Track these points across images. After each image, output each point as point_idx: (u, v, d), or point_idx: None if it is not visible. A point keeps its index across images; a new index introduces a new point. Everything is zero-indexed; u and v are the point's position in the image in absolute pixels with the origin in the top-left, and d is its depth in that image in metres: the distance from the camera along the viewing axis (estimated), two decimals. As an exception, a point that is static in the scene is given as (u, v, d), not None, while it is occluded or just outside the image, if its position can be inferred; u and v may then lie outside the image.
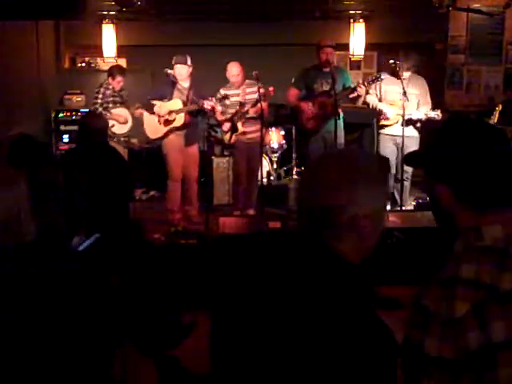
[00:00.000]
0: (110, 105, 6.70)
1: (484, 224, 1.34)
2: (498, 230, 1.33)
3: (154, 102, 6.12)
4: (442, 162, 1.37)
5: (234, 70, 6.22)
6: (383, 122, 6.31)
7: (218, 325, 1.44)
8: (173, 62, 6.09)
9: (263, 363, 1.32)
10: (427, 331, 1.26)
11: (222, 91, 6.27)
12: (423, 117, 6.10)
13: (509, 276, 1.25)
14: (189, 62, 6.10)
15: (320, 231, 1.37)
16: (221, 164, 7.12)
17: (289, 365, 1.28)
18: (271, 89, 6.10)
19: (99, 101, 6.71)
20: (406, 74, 6.15)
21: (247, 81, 6.24)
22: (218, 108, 6.17)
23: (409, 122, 6.14)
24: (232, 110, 6.27)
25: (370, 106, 6.36)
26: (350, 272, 1.35)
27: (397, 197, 6.32)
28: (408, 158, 1.55)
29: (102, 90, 6.72)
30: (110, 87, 6.75)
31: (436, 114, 6.08)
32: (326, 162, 1.43)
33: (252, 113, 6.14)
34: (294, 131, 7.36)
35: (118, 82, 6.76)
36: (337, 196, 1.35)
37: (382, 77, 6.07)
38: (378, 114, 6.34)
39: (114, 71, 6.85)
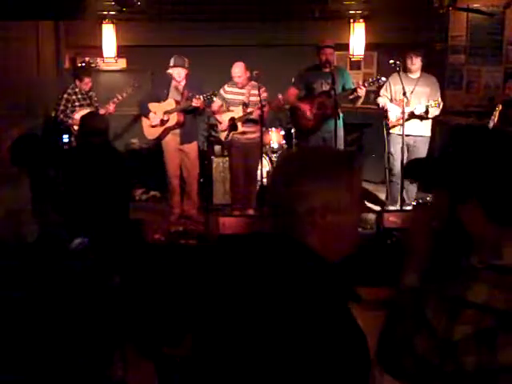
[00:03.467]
0: (77, 108, 6.68)
1: (505, 241, 1.28)
2: None
3: (151, 104, 6.21)
4: (472, 177, 1.30)
5: (236, 70, 6.23)
6: (391, 122, 6.34)
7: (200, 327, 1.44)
8: (171, 63, 6.13)
9: (231, 361, 1.32)
10: (420, 332, 1.25)
11: (227, 87, 6.29)
12: (424, 109, 6.13)
13: None
14: (186, 65, 6.14)
15: (282, 221, 1.37)
16: (220, 164, 7.12)
17: (256, 363, 1.28)
18: (280, 96, 6.12)
19: (61, 107, 6.72)
20: (416, 75, 6.21)
21: (252, 82, 6.24)
22: (217, 102, 6.21)
23: (413, 116, 6.19)
24: (233, 108, 6.28)
25: (380, 106, 6.40)
26: (317, 263, 1.34)
27: (404, 195, 6.36)
28: (424, 183, 1.50)
29: (65, 96, 6.72)
30: (77, 90, 6.75)
31: (437, 103, 6.13)
32: (292, 155, 1.45)
33: (255, 115, 6.14)
34: (293, 131, 7.36)
35: (85, 84, 6.75)
36: (295, 184, 1.35)
37: (383, 79, 6.13)
38: (386, 114, 6.36)
39: (80, 73, 6.85)
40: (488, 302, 1.21)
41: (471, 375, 1.20)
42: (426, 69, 6.73)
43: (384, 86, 6.42)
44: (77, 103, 6.73)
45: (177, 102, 6.16)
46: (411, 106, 6.16)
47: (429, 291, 1.30)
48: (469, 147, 1.34)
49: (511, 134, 1.36)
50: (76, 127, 6.41)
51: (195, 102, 5.98)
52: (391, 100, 6.34)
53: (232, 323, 1.34)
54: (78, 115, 6.53)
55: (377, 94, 6.71)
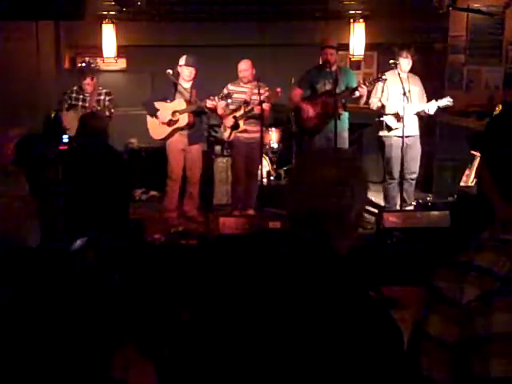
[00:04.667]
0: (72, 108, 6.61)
1: None
2: None
3: (157, 103, 6.13)
4: (492, 150, 1.36)
5: (243, 65, 6.25)
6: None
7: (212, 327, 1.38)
8: (182, 62, 6.09)
9: (272, 365, 1.28)
10: (433, 309, 1.27)
11: (230, 86, 6.28)
12: (436, 108, 6.12)
13: None
14: (196, 65, 6.11)
15: (327, 233, 1.36)
16: (221, 164, 7.12)
17: (300, 364, 1.26)
18: (279, 89, 6.11)
19: (58, 107, 6.67)
20: (405, 74, 6.19)
21: (254, 82, 6.22)
22: (221, 104, 6.13)
23: (425, 116, 6.22)
24: (234, 106, 6.28)
25: (375, 109, 6.35)
26: (355, 273, 1.35)
27: (404, 196, 6.36)
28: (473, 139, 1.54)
29: (64, 96, 6.67)
30: (74, 89, 6.61)
31: (448, 101, 6.11)
32: (323, 164, 1.42)
33: (257, 111, 6.11)
34: (293, 131, 7.36)
35: (86, 85, 6.54)
36: (344, 194, 1.36)
37: (384, 77, 6.10)
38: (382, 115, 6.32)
39: (79, 74, 6.70)
40: (492, 266, 1.25)
41: (482, 340, 1.22)
42: (426, 69, 6.74)
43: (379, 87, 6.34)
44: (73, 102, 6.66)
45: (187, 102, 6.07)
46: (414, 105, 6.14)
47: (441, 268, 1.33)
48: (503, 127, 1.37)
49: None
50: (66, 129, 6.40)
51: (210, 104, 5.95)
52: (386, 100, 6.28)
53: (255, 319, 1.31)
54: (66, 117, 6.51)
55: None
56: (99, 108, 6.48)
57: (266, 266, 1.35)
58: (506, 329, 1.22)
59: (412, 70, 6.30)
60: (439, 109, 6.17)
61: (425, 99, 6.30)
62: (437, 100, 6.15)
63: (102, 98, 6.63)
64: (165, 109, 6.10)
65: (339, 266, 1.33)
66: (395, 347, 1.27)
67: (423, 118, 6.37)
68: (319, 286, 1.30)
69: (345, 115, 6.26)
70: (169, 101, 6.13)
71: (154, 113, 6.13)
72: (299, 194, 1.41)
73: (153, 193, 7.42)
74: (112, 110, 6.48)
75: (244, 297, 1.34)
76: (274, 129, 7.33)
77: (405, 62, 6.16)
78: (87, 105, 6.59)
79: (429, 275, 1.33)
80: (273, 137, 7.32)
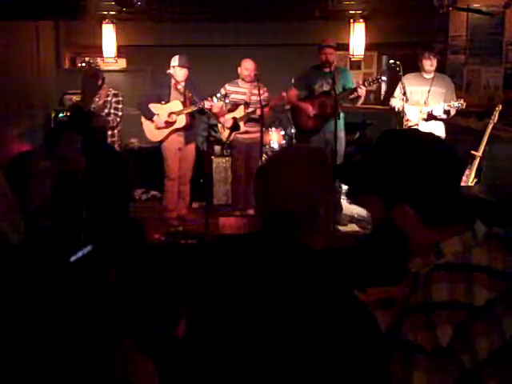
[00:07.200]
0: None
1: (442, 239, 1.32)
2: (456, 242, 1.32)
3: (152, 105, 6.10)
4: (405, 182, 1.33)
5: (248, 64, 6.23)
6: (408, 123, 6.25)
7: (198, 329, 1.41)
8: (175, 63, 6.04)
9: (255, 364, 1.30)
10: (413, 365, 1.23)
11: (228, 87, 6.27)
12: (444, 109, 6.08)
13: (478, 290, 1.23)
14: (188, 65, 6.09)
15: (299, 231, 1.36)
16: (220, 164, 7.12)
17: (282, 361, 1.27)
18: (284, 94, 6.13)
19: None
20: (431, 75, 6.16)
21: (254, 82, 6.23)
22: (218, 104, 6.09)
23: (431, 118, 6.15)
24: (229, 106, 6.28)
25: (396, 110, 6.30)
26: (328, 265, 1.36)
27: None
28: (355, 187, 1.49)
29: None
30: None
31: (459, 103, 6.06)
32: (287, 165, 1.41)
33: (259, 112, 6.12)
34: (294, 132, 7.36)
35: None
36: (312, 194, 1.36)
37: (383, 78, 6.08)
38: (402, 116, 6.22)
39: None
40: (453, 297, 1.23)
41: (468, 374, 1.21)
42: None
43: (398, 88, 6.30)
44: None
45: (183, 103, 6.06)
46: (429, 107, 6.12)
47: (402, 320, 1.29)
48: (395, 153, 1.37)
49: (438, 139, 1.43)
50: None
51: (207, 104, 5.93)
52: (407, 101, 6.23)
53: (239, 319, 1.32)
54: None
55: (377, 94, 6.67)
56: (106, 110, 6.41)
57: (245, 267, 1.37)
58: (489, 351, 1.20)
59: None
60: (447, 111, 6.10)
61: (453, 100, 6.17)
62: (445, 102, 6.11)
63: (109, 99, 6.53)
64: (161, 110, 6.08)
65: (313, 263, 1.34)
66: (370, 344, 1.26)
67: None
68: (294, 283, 1.30)
69: (341, 115, 6.24)
70: (163, 102, 6.09)
71: (150, 115, 6.10)
72: (269, 193, 1.40)
73: (153, 193, 7.41)
74: (119, 113, 6.40)
75: (227, 297, 1.37)
76: (273, 129, 7.34)
77: (427, 63, 6.13)
78: (95, 106, 6.55)
79: (390, 329, 1.30)
80: (273, 137, 7.32)
